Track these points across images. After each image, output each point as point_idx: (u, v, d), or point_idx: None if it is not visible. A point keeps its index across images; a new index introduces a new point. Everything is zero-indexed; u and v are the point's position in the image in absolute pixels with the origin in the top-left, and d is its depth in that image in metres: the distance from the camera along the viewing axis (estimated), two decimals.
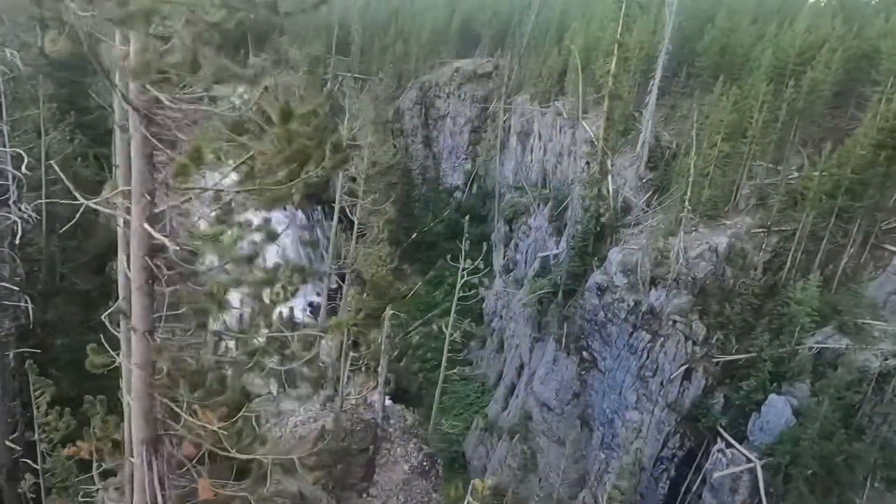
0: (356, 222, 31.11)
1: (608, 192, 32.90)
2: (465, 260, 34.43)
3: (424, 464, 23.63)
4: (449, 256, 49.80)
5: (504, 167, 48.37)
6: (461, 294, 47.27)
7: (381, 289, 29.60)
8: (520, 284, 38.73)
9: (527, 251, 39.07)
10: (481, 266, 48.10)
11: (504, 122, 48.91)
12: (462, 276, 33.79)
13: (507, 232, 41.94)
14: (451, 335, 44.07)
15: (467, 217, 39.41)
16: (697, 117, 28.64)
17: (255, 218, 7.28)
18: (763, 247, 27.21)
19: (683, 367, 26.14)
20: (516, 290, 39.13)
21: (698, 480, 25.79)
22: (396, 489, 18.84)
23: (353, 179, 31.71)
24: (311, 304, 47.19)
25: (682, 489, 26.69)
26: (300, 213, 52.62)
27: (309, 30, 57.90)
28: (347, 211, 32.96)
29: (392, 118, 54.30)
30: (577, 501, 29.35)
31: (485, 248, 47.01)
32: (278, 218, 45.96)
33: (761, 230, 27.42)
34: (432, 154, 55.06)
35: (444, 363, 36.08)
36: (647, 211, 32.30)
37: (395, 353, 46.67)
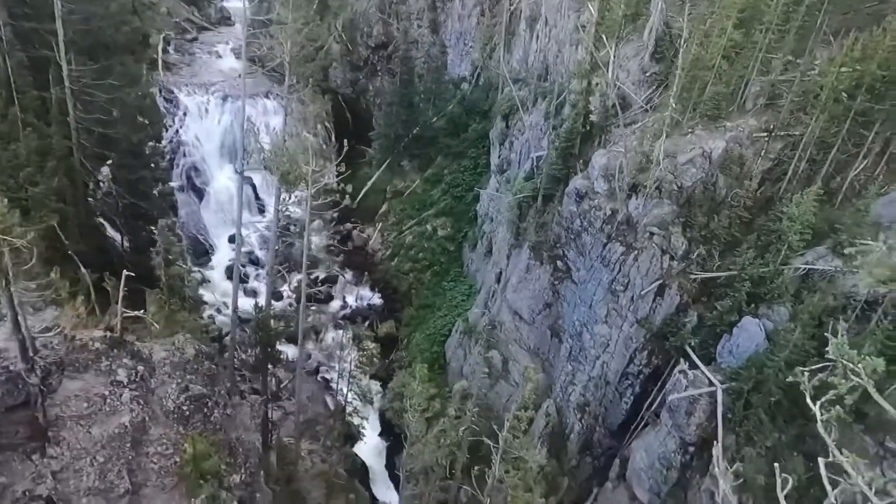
0: None
1: (605, 85, 29.44)
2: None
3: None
4: (449, 153, 47.65)
5: (512, 56, 44.28)
6: (456, 194, 45.56)
7: None
8: (512, 185, 36.45)
9: (521, 150, 36.36)
10: (482, 164, 45.77)
11: (512, 3, 44.15)
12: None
13: (504, 129, 38.99)
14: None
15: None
16: None
17: None
18: (764, 153, 24.10)
19: (657, 283, 24.27)
20: (508, 191, 36.92)
21: (659, 399, 24.77)
22: None
23: None
24: None
25: (645, 405, 25.81)
26: None
27: None
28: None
29: None
30: (541, 410, 28.96)
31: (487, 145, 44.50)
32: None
33: (765, 134, 24.16)
34: (439, 41, 50.86)
35: None
36: (646, 109, 28.95)
37: (388, 252, 46.01)
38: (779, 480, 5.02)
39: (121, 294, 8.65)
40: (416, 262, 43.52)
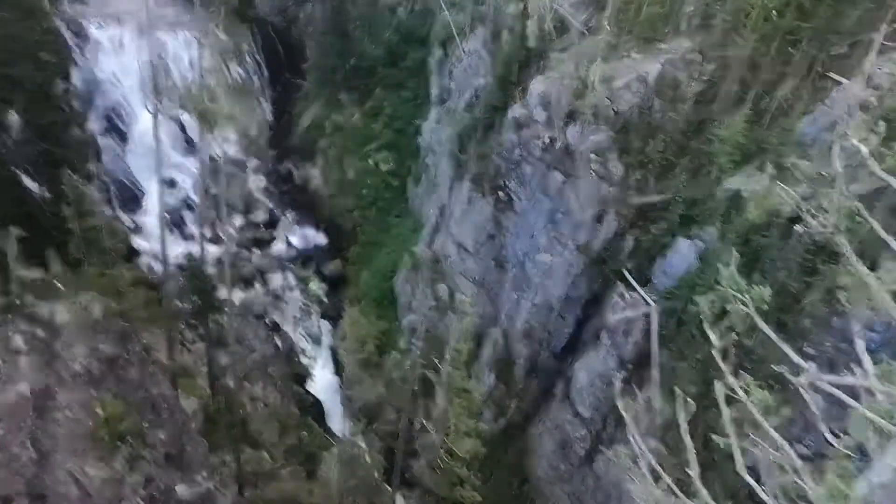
0: None
1: (542, 8, 28.54)
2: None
3: None
4: (388, 84, 45.97)
5: None
6: (397, 127, 44.36)
7: None
8: (452, 116, 35.66)
9: (460, 79, 35.37)
10: (422, 95, 44.46)
11: None
12: None
13: (442, 57, 37.69)
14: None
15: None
16: None
17: None
18: (698, 76, 24.14)
19: (595, 210, 24.61)
20: (449, 122, 36.15)
21: (599, 321, 25.68)
22: None
23: None
24: None
25: (586, 328, 26.76)
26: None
27: None
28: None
29: None
30: (488, 338, 29.70)
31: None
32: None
33: (698, 56, 24.12)
34: None
35: None
36: (584, 33, 28.34)
37: (331, 189, 44.90)
38: (680, 408, 5.23)
39: (12, 253, 8.02)
40: (360, 199, 42.68)
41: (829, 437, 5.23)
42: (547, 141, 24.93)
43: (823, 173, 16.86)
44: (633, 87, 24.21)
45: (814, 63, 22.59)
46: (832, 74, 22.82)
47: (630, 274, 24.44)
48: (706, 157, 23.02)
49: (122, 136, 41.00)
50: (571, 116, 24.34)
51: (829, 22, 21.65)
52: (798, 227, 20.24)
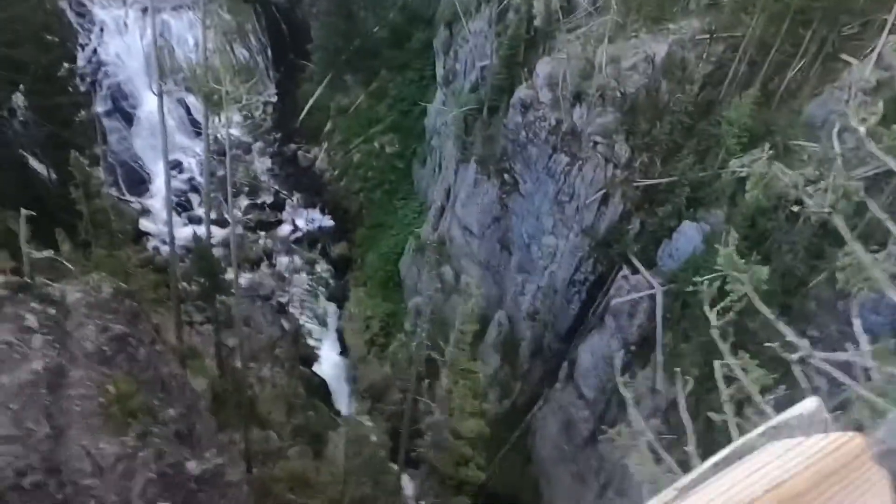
0: None
1: None
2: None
3: None
4: (393, 66, 45.67)
5: None
6: (402, 108, 44.15)
7: None
8: (457, 98, 35.45)
9: (466, 60, 35.07)
10: (427, 76, 44.15)
11: None
12: None
13: (448, 37, 37.34)
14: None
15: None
16: None
17: None
18: (706, 56, 23.90)
19: (601, 192, 24.57)
20: (454, 104, 35.95)
21: (604, 303, 25.78)
22: None
23: None
24: None
25: (591, 311, 26.87)
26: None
27: None
28: None
29: None
30: (493, 321, 29.86)
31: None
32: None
33: (707, 36, 23.85)
34: None
35: None
36: (591, 12, 28.02)
37: (336, 171, 44.90)
38: (680, 387, 5.32)
39: (23, 234, 8.11)
40: (365, 182, 42.68)
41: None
42: (553, 123, 24.81)
43: (830, 155, 16.73)
44: (641, 67, 24.00)
45: (824, 44, 22.32)
46: (843, 55, 22.58)
47: (635, 257, 24.48)
48: (713, 139, 22.87)
49: (128, 119, 41.01)
50: (578, 98, 24.18)
51: (840, 1, 21.35)
52: (795, 208, 20.19)
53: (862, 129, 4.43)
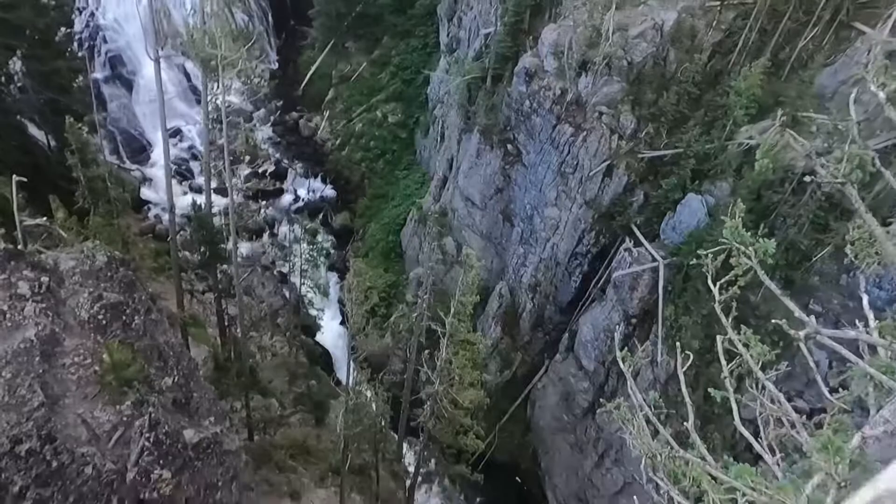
0: None
1: None
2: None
3: None
4: (396, 32, 44.75)
5: None
6: (405, 77, 43.42)
7: None
8: (461, 66, 34.79)
9: (470, 27, 34.33)
10: (431, 44, 43.30)
11: None
12: None
13: (452, 3, 36.51)
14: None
15: None
16: None
17: None
18: (716, 24, 23.30)
19: (605, 164, 24.23)
20: (458, 72, 35.29)
21: (605, 276, 25.69)
22: None
23: None
24: None
25: (592, 283, 26.79)
26: None
27: None
28: None
29: None
30: (494, 292, 29.84)
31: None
32: None
33: (717, 3, 23.21)
34: None
35: None
36: None
37: (338, 141, 44.41)
38: (679, 359, 5.23)
39: (15, 200, 7.98)
40: (367, 151, 42.28)
41: (825, 392, 5.22)
42: (558, 92, 24.34)
43: (840, 127, 16.38)
44: (649, 35, 23.42)
45: (838, 11, 21.69)
46: (856, 24, 21.95)
47: (639, 229, 24.28)
48: (721, 110, 22.43)
49: (129, 85, 40.49)
50: (583, 66, 23.67)
51: None
52: (807, 178, 19.88)
53: (882, 95, 4.22)
